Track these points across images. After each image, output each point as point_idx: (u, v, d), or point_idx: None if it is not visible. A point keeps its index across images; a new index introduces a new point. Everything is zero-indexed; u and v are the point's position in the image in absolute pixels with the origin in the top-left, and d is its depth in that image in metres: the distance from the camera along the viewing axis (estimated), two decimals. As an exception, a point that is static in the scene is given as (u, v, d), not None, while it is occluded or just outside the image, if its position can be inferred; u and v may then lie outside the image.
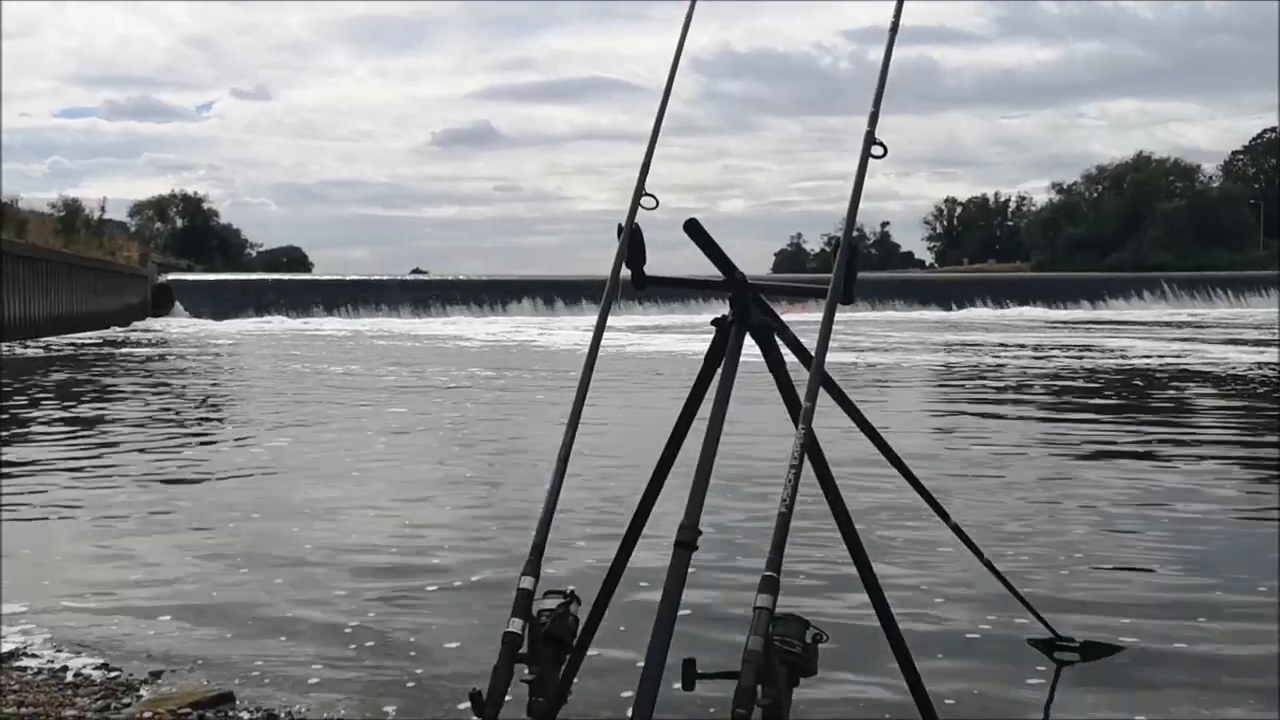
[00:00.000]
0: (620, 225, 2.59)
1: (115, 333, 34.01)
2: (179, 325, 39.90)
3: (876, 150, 2.40)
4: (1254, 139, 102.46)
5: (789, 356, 2.72)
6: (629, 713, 2.09)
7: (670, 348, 25.41)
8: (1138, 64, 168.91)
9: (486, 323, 41.94)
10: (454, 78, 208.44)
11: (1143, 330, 33.75)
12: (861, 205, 2.40)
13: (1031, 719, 3.62)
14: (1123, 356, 21.42)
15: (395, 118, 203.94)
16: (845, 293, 2.35)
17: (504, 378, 17.59)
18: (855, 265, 2.36)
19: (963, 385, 16.04)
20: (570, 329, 34.23)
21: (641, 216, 2.64)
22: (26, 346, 25.82)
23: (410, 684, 3.88)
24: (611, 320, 2.64)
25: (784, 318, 2.70)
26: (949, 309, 53.77)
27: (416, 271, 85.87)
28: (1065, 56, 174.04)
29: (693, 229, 2.53)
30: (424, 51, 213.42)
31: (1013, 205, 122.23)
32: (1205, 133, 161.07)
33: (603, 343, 2.58)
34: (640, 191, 2.63)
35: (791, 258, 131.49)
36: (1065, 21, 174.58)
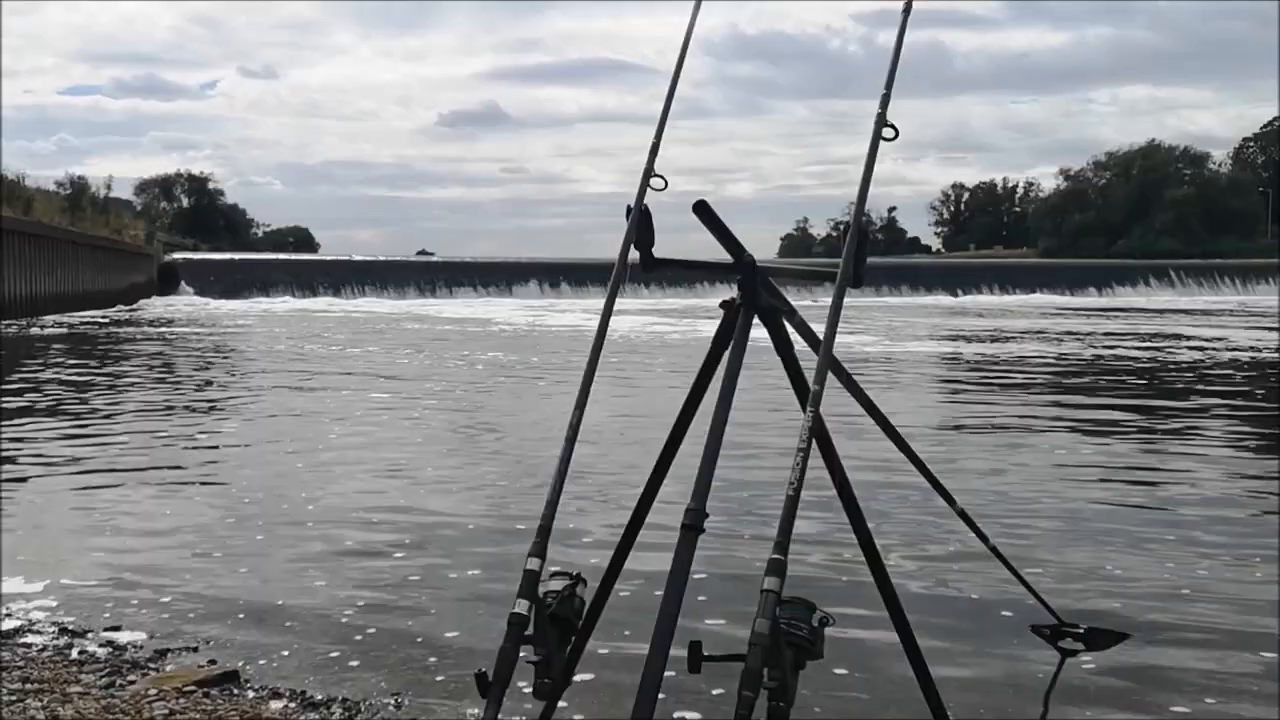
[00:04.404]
0: (629, 206, 2.57)
1: (121, 311, 34.03)
2: (185, 304, 39.93)
3: (888, 133, 2.37)
4: (1264, 126, 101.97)
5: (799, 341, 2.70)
6: (634, 694, 2.08)
7: (678, 331, 25.37)
8: (1150, 49, 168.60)
9: (511, 305, 41.74)
10: (460, 58, 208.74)
11: (1205, 319, 33.05)
12: (870, 190, 2.38)
13: (1035, 705, 3.62)
14: (1249, 348, 20.44)
15: (400, 98, 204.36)
16: (855, 276, 2.33)
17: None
18: (865, 248, 2.34)
19: (1137, 381, 14.57)
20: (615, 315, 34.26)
21: (650, 198, 2.62)
22: (32, 325, 25.85)
23: (415, 664, 3.89)
24: (620, 304, 2.63)
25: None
26: (955, 294, 53.68)
27: (423, 253, 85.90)
28: (1077, 41, 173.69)
29: (702, 210, 2.51)
30: (429, 31, 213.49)
31: (1020, 191, 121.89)
32: (1217, 119, 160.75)
33: (612, 326, 2.57)
34: (649, 172, 2.60)
35: (798, 242, 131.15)
36: (1078, 6, 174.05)
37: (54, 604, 4.56)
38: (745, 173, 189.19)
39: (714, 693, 3.47)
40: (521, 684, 2.24)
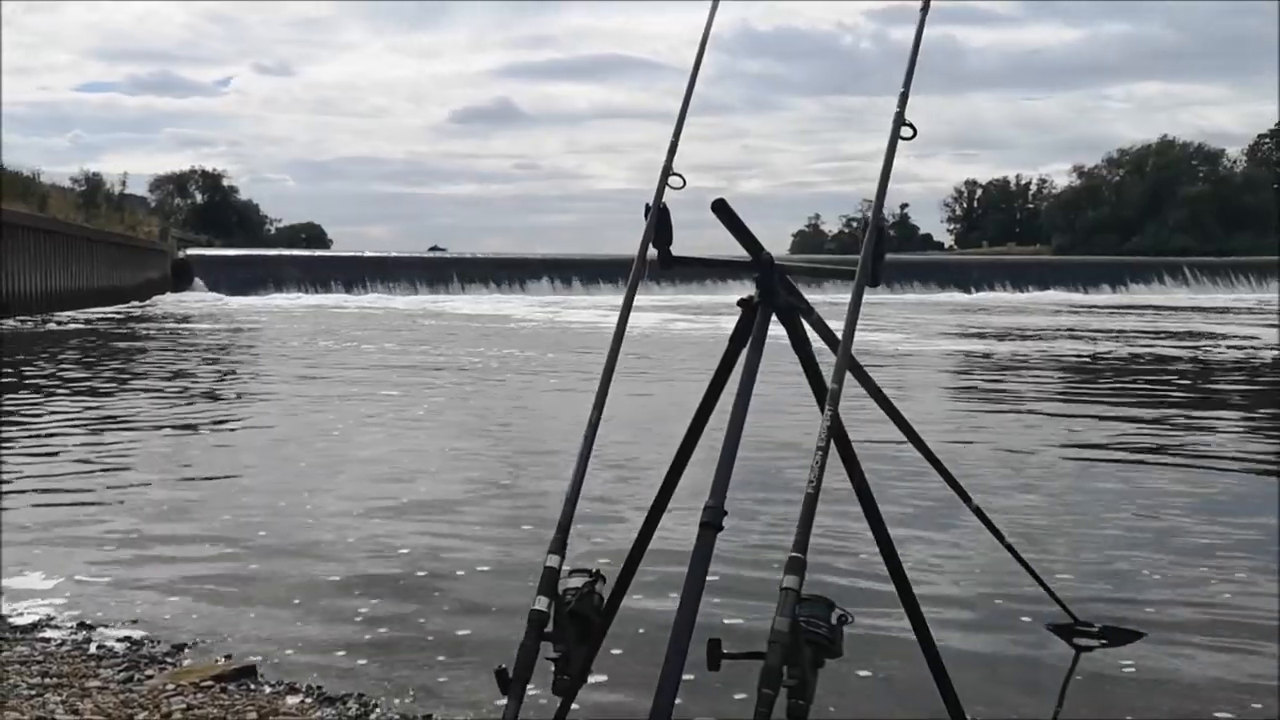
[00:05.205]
0: (648, 204, 2.58)
1: (135, 307, 34.18)
2: (197, 300, 40.06)
3: (906, 131, 2.37)
4: (1279, 123, 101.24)
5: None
6: (652, 692, 2.09)
7: (699, 328, 25.34)
8: (1164, 46, 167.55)
9: (524, 302, 41.85)
10: (472, 55, 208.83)
11: (1229, 317, 32.57)
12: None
13: (1052, 704, 3.62)
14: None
15: (413, 95, 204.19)
16: (873, 274, 2.33)
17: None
18: (884, 246, 2.34)
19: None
20: (639, 311, 34.36)
21: (667, 196, 2.63)
22: (47, 321, 25.98)
23: (429, 661, 3.90)
24: (637, 300, 2.63)
25: None
26: (968, 291, 53.56)
27: (435, 249, 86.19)
28: (1091, 38, 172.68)
29: (720, 209, 2.51)
30: (441, 28, 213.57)
31: (1034, 188, 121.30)
32: (1231, 116, 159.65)
33: (633, 323, 2.57)
34: (668, 170, 2.61)
35: (809, 239, 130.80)
36: (1092, 4, 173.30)
37: (71, 599, 4.59)
38: (757, 169, 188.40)
39: (736, 697, 3.47)
40: (532, 684, 2.25)
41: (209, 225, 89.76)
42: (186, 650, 3.99)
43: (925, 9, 2.53)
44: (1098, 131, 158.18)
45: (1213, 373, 15.56)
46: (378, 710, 3.45)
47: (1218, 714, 3.50)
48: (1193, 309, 39.26)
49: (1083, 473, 7.49)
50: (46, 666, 3.73)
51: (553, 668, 2.21)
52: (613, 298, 40.70)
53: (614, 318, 2.55)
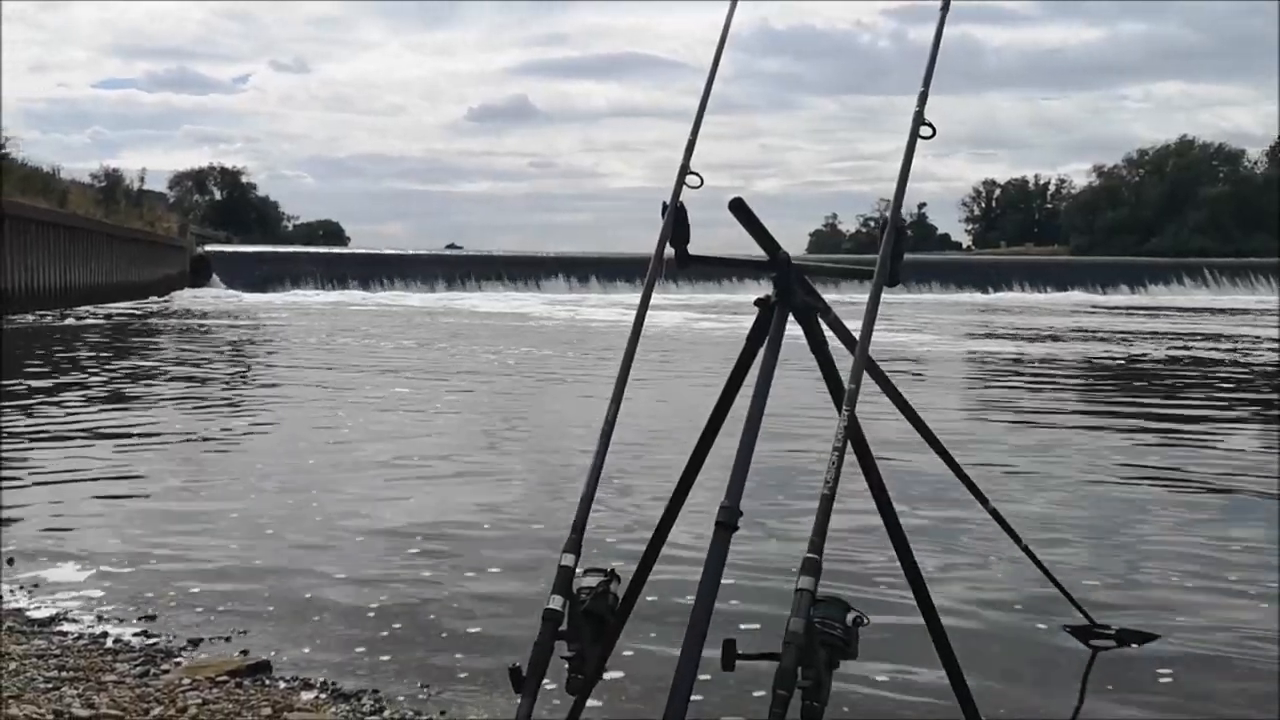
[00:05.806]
0: (665, 203, 2.57)
1: (153, 303, 34.36)
2: (213, 296, 40.24)
3: (925, 130, 2.36)
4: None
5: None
6: (666, 692, 2.09)
7: (722, 328, 25.29)
8: (1183, 46, 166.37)
9: (541, 300, 41.96)
10: (487, 53, 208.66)
11: (1257, 318, 32.20)
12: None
13: (1067, 706, 3.60)
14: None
15: (429, 93, 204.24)
16: (891, 274, 2.32)
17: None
18: (903, 246, 2.33)
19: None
20: (653, 311, 34.36)
21: (683, 194, 2.62)
22: (66, 316, 26.13)
23: (443, 659, 3.91)
24: (654, 299, 2.63)
25: None
26: (985, 291, 53.37)
27: (452, 246, 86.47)
28: (1110, 37, 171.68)
29: (738, 208, 2.51)
30: (457, 26, 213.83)
31: (1052, 188, 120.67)
32: (1251, 116, 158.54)
33: (655, 322, 2.56)
34: (685, 169, 2.60)
35: (826, 238, 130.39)
36: (1111, 4, 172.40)
37: (88, 593, 4.61)
38: (773, 169, 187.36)
39: (755, 694, 3.47)
40: (546, 682, 2.25)
41: (227, 222, 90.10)
42: (202, 645, 4.00)
43: (945, 8, 2.52)
44: (1116, 132, 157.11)
45: (1257, 377, 15.29)
46: (391, 707, 3.45)
47: (1234, 716, 3.48)
48: (1215, 310, 39.00)
49: (1110, 481, 7.44)
50: (63, 660, 3.75)
51: (567, 666, 2.20)
52: (629, 296, 40.70)
53: (632, 316, 2.55)
